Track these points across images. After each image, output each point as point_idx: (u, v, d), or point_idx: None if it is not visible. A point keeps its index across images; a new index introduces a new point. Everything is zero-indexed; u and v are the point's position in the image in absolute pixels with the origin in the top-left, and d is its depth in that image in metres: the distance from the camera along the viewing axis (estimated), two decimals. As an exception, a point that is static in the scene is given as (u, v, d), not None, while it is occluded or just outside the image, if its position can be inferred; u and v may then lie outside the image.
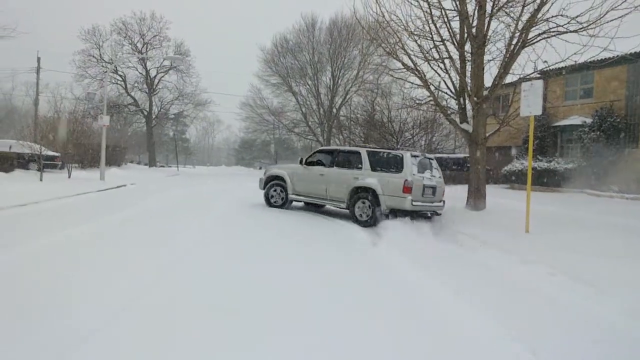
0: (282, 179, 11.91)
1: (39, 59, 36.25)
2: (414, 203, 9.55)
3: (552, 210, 11.24)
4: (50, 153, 20.83)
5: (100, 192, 14.67)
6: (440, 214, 10.65)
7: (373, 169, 10.41)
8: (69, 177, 19.26)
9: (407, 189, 9.64)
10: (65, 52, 49.13)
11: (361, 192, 10.30)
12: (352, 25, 35.27)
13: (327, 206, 11.75)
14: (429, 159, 10.93)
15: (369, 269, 5.62)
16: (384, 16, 11.56)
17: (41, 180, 16.44)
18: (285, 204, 11.85)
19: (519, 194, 15.90)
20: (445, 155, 25.25)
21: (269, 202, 12.00)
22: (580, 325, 3.85)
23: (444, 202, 10.84)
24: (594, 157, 16.75)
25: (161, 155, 58.57)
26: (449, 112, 12.40)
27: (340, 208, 10.91)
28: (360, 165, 10.62)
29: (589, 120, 17.78)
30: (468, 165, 14.12)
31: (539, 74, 11.24)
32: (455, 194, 12.25)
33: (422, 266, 5.66)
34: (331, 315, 3.78)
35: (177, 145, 50.33)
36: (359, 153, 10.82)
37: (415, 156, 10.33)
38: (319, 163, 11.50)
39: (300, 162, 11.77)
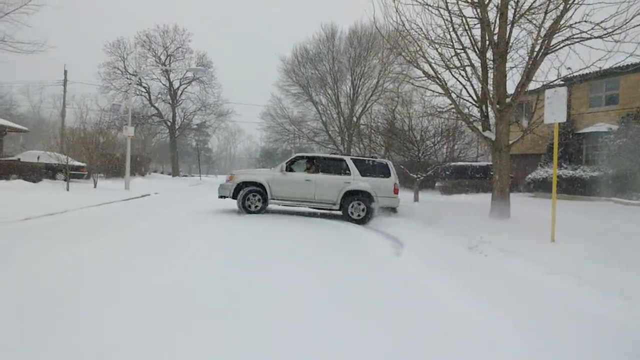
0: (259, 185, 12.29)
1: (65, 72, 37.24)
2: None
3: (578, 219, 11.03)
4: (77, 163, 21.33)
5: (125, 202, 14.93)
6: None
7: (363, 174, 12.30)
8: (95, 186, 19.67)
9: (396, 190, 12.23)
10: (91, 64, 50.29)
11: (354, 195, 12.07)
12: (372, 34, 35.37)
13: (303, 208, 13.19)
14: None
15: (390, 277, 5.60)
16: (404, 25, 11.58)
17: (68, 189, 16.83)
18: (262, 209, 12.35)
19: (544, 202, 15.64)
20: (467, 164, 25.03)
21: (245, 208, 12.18)
22: (612, 338, 3.76)
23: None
24: (621, 165, 16.39)
25: (184, 164, 59.42)
26: (471, 119, 12.30)
27: (330, 209, 12.38)
28: (348, 172, 12.33)
29: (614, 127, 17.43)
30: (491, 173, 13.97)
31: (562, 80, 11.11)
32: (479, 203, 12.14)
33: (445, 275, 5.61)
34: (364, 314, 3.78)
35: (200, 155, 50.97)
36: (343, 160, 12.56)
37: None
38: (297, 169, 12.69)
39: (282, 170, 12.42)
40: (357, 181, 12.13)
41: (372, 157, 13.68)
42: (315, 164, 12.76)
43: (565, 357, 3.37)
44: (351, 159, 12.62)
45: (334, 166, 12.55)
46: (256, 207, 12.21)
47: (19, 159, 22.22)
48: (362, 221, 11.74)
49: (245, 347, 3.28)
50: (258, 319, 3.82)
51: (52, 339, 3.26)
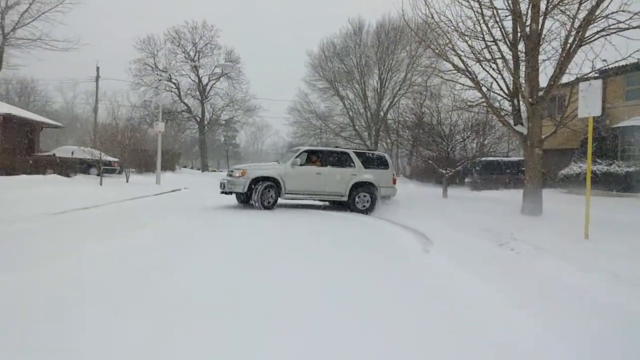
0: (273, 179, 12.34)
1: (98, 69, 38.13)
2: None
3: (613, 215, 10.72)
4: (109, 158, 21.86)
5: (157, 196, 15.25)
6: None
7: (365, 166, 13.05)
8: (127, 181, 20.16)
9: (395, 180, 13.33)
10: (122, 61, 51.32)
11: (361, 186, 12.84)
12: (399, 27, 35.06)
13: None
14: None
15: (420, 275, 5.56)
16: (432, 17, 11.44)
17: (101, 184, 17.28)
18: (275, 204, 12.45)
19: (577, 198, 15.25)
20: (498, 159, 24.58)
21: (262, 203, 12.13)
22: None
23: None
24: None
25: (213, 160, 60.13)
26: (502, 113, 12.07)
27: (341, 201, 13.05)
28: (352, 164, 13.00)
29: (652, 121, 16.85)
30: (523, 168, 13.68)
31: (597, 73, 10.78)
32: (510, 199, 11.91)
33: (475, 273, 5.53)
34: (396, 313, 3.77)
35: (228, 150, 51.53)
36: (347, 154, 13.27)
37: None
38: (306, 163, 12.88)
39: (293, 164, 12.58)
40: (362, 173, 12.94)
41: (370, 150, 14.18)
42: (321, 158, 13.11)
43: (599, 355, 3.29)
44: (354, 151, 13.53)
45: (339, 159, 13.12)
46: (268, 202, 12.26)
47: (54, 154, 22.93)
48: (367, 211, 12.69)
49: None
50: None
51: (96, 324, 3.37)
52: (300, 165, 12.67)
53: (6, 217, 8.26)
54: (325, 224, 10.30)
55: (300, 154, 12.92)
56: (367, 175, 12.91)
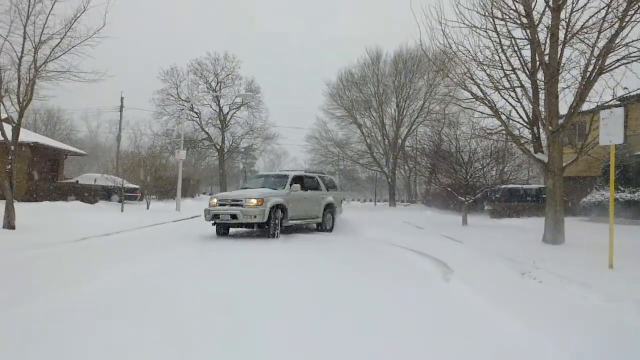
0: (283, 207, 11.93)
1: (122, 99, 39.18)
2: None
3: (638, 244, 10.48)
4: (131, 186, 22.24)
5: (177, 223, 15.41)
6: None
7: (327, 189, 14.16)
8: (148, 208, 20.42)
9: (341, 201, 14.78)
10: (146, 91, 52.66)
11: (327, 208, 13.75)
12: (417, 57, 35.42)
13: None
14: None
15: (441, 304, 5.51)
16: (451, 47, 11.55)
17: (122, 211, 17.58)
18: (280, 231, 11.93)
19: (600, 227, 14.94)
20: (519, 186, 24.30)
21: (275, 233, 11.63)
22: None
23: None
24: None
25: (232, 187, 60.57)
26: (522, 141, 12.02)
27: (317, 224, 13.79)
28: (320, 187, 13.88)
29: (677, 149, 16.55)
30: (544, 196, 13.53)
31: (618, 100, 10.72)
32: (531, 227, 11.74)
33: (498, 302, 5.46)
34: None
35: (247, 177, 51.97)
36: (316, 178, 14.08)
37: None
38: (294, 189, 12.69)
39: (289, 190, 12.42)
40: (328, 195, 13.99)
41: (322, 173, 15.33)
42: (305, 183, 13.25)
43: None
44: (319, 175, 14.56)
45: (313, 183, 13.79)
46: (280, 230, 11.85)
47: (77, 182, 23.47)
48: (330, 230, 13.81)
49: None
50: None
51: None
52: (295, 191, 12.51)
53: (34, 242, 8.46)
54: (347, 253, 10.28)
55: (293, 179, 12.87)
56: (331, 198, 14.04)
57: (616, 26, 9.44)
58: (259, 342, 3.80)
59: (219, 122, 42.21)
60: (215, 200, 11.99)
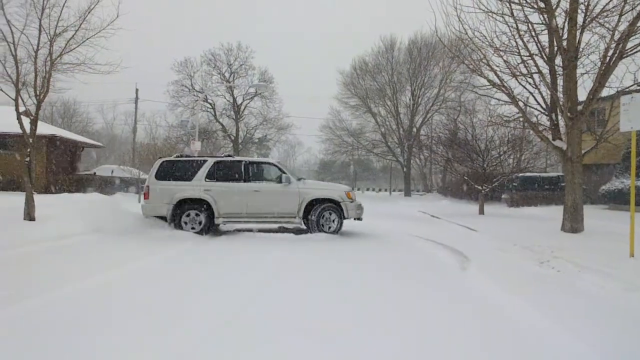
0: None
1: (137, 91, 39.39)
2: None
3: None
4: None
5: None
6: None
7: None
8: (164, 199, 20.58)
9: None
10: (161, 82, 52.90)
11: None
12: (432, 43, 34.98)
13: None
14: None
15: (458, 293, 5.47)
16: (466, 33, 11.35)
17: (139, 202, 17.73)
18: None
19: (620, 215, 14.70)
20: (536, 174, 24.01)
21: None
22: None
23: None
24: None
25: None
26: (540, 128, 11.82)
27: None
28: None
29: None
30: (562, 184, 13.33)
31: (639, 85, 10.46)
32: (549, 216, 11.59)
33: (516, 292, 5.40)
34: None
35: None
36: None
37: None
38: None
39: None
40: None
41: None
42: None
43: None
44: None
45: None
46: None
47: (94, 173, 23.75)
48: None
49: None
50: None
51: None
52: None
53: (54, 234, 8.61)
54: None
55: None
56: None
57: (638, 8, 9.18)
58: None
59: (232, 112, 42.27)
60: None
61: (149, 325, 3.89)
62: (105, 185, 21.55)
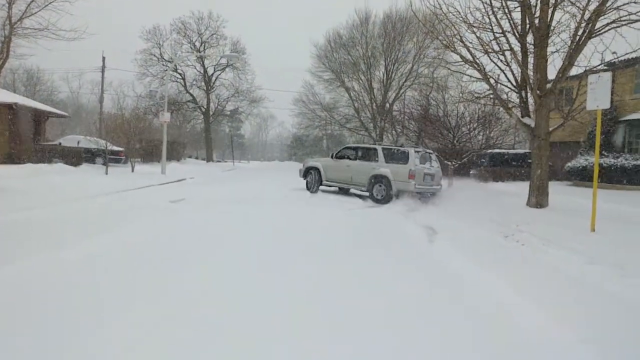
0: (317, 169, 15.02)
1: (104, 59, 38.13)
2: (416, 186, 12.92)
3: (620, 208, 10.70)
4: (115, 148, 21.89)
5: (162, 185, 15.30)
6: (436, 194, 14.02)
7: (387, 161, 13.62)
8: (132, 171, 20.19)
9: (411, 175, 12.97)
10: (128, 50, 51.30)
11: (378, 178, 13.51)
12: (407, 18, 34.79)
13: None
14: (429, 153, 14.53)
15: (425, 265, 5.59)
16: (441, 8, 11.35)
17: (106, 173, 17.34)
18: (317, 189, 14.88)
19: (583, 191, 15.21)
20: (504, 151, 24.48)
21: (307, 187, 15.02)
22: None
23: (441, 185, 14.65)
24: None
25: (218, 150, 60.19)
26: (509, 105, 12.01)
27: (362, 191, 14.06)
28: (377, 159, 13.83)
29: (661, 114, 16.71)
30: (529, 161, 13.64)
31: (606, 65, 10.68)
32: (515, 191, 11.88)
33: (480, 264, 5.56)
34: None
35: (233, 140, 51.54)
36: (375, 149, 14.11)
37: (418, 151, 13.59)
38: (346, 157, 14.70)
39: (331, 157, 15.07)
40: (380, 167, 13.63)
41: (398, 146, 14.65)
42: (356, 152, 14.61)
43: (612, 349, 3.30)
44: (382, 147, 14.11)
45: (368, 154, 14.25)
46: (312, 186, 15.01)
47: (60, 144, 23.01)
48: (381, 201, 13.21)
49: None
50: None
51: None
52: (339, 158, 14.88)
53: (18, 206, 8.34)
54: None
55: (342, 149, 15.25)
56: (384, 169, 13.49)
57: (608, -13, 9.31)
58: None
59: (203, 83, 41.43)
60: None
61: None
62: (72, 156, 20.93)
